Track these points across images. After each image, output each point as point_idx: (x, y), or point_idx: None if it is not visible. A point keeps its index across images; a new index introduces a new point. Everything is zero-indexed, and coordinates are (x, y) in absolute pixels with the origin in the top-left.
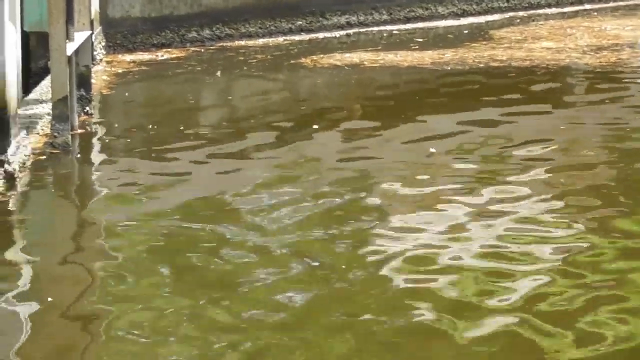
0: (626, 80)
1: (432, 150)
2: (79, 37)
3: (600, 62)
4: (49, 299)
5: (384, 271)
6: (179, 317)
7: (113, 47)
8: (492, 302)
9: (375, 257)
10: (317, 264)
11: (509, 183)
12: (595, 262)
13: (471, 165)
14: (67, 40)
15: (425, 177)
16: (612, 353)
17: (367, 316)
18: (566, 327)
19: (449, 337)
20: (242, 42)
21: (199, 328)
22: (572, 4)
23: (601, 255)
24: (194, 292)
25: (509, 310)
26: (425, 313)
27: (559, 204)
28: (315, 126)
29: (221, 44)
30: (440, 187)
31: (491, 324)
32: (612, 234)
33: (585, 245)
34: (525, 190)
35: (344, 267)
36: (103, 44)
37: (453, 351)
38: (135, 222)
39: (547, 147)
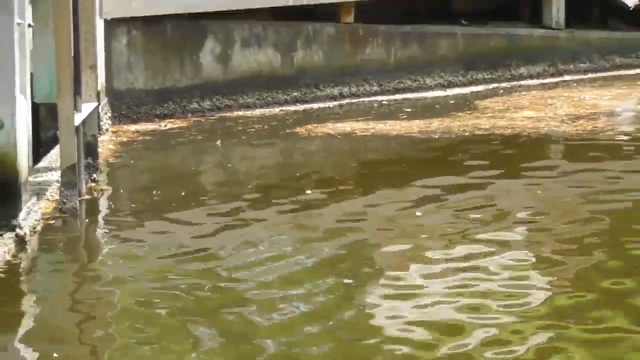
0: (600, 147)
1: (419, 214)
2: (86, 108)
3: (577, 130)
4: (54, 355)
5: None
6: None
7: (118, 117)
8: None
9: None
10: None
11: (490, 248)
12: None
13: (455, 228)
14: (75, 112)
15: (413, 240)
16: None
17: None
18: None
19: None
20: (241, 113)
21: None
22: (552, 75)
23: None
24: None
25: None
26: None
27: (533, 271)
28: (308, 191)
29: (221, 114)
30: (425, 252)
31: None
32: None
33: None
34: (504, 254)
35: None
36: (109, 114)
37: None
38: (140, 286)
39: (526, 211)
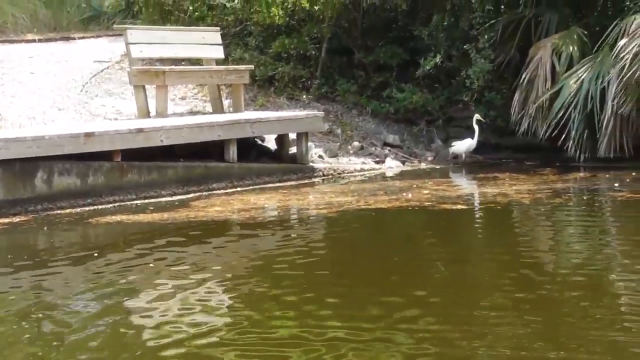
0: (255, 225)
1: (152, 265)
2: None
3: (244, 217)
4: None
5: None
6: None
7: None
8: None
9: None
10: None
11: (193, 279)
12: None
13: (174, 270)
14: None
15: (143, 275)
16: None
17: None
18: None
19: None
20: (59, 212)
21: None
22: (232, 187)
23: None
24: None
25: None
26: None
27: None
28: (95, 253)
29: (47, 213)
30: (152, 278)
31: None
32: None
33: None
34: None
35: None
36: None
37: None
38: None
39: (214, 261)
